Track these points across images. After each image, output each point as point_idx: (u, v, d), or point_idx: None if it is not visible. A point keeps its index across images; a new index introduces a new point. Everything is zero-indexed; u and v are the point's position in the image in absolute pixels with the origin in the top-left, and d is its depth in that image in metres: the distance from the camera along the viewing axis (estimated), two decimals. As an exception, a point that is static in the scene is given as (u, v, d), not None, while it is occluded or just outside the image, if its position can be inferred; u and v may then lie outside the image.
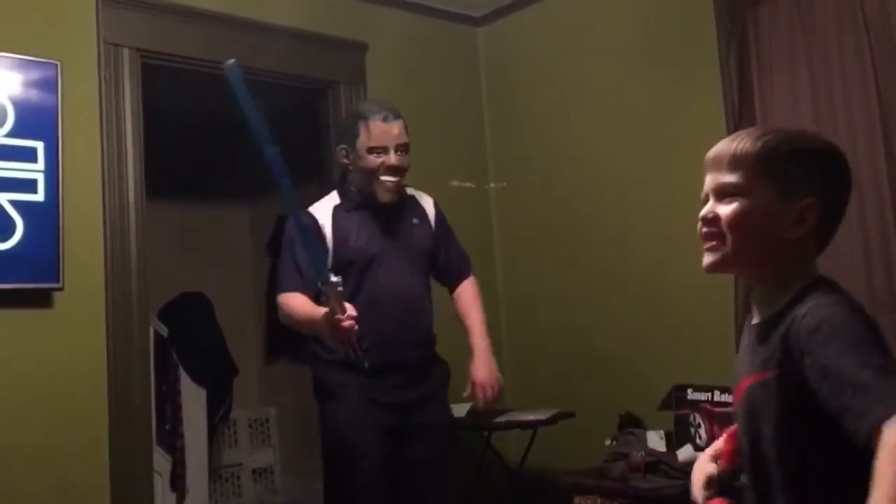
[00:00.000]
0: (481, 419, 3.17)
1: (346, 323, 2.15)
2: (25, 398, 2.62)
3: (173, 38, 3.08)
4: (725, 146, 1.26)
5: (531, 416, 3.22)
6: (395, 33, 3.66)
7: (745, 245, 1.22)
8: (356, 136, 2.51)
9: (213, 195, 4.90)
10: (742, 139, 1.25)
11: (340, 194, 2.58)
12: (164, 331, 3.93)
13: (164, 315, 4.15)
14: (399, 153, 2.51)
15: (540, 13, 3.79)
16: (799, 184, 1.21)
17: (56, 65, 2.73)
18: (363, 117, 2.52)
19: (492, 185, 4.00)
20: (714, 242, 1.25)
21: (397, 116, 2.53)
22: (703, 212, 1.26)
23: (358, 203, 2.55)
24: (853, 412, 1.03)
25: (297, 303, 2.43)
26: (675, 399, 2.93)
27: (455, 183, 3.84)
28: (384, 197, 2.52)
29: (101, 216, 2.84)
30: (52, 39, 2.78)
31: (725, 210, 1.23)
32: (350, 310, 2.16)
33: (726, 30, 3.05)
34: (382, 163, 2.48)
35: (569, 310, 3.57)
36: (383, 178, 2.50)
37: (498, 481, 3.34)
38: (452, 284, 2.73)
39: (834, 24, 2.78)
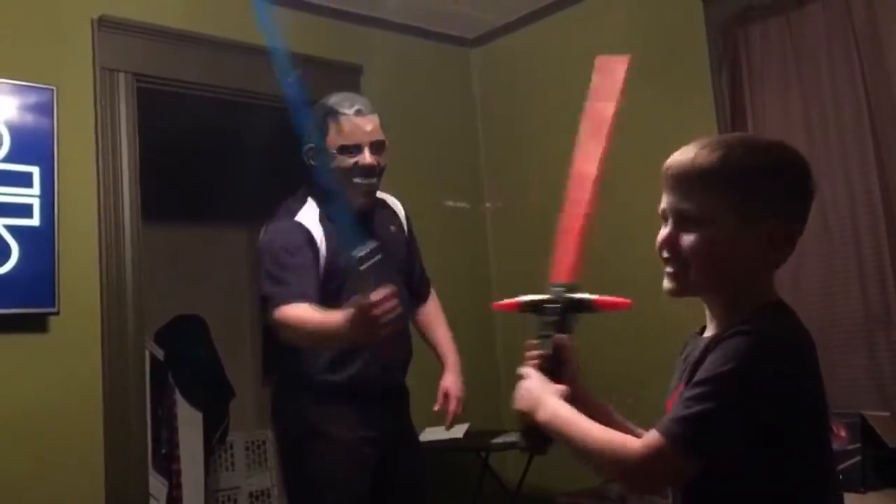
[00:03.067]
0: (479, 441, 3.16)
1: (387, 305, 1.81)
2: (21, 422, 2.61)
3: (169, 63, 3.10)
4: (683, 163, 1.18)
5: (529, 437, 3.20)
6: (390, 55, 3.68)
7: (708, 274, 1.17)
8: (325, 133, 2.22)
9: (209, 217, 4.90)
10: (700, 155, 1.17)
11: (317, 201, 2.26)
12: (160, 354, 3.92)
13: (159, 338, 4.14)
14: (374, 152, 2.23)
15: (533, 35, 3.82)
16: (762, 205, 1.15)
17: (52, 90, 2.74)
18: (332, 112, 2.22)
19: (487, 205, 4.01)
20: (673, 270, 1.20)
21: (371, 111, 2.25)
22: (663, 236, 1.20)
23: (335, 209, 2.17)
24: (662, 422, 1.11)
25: (304, 313, 2.06)
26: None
27: (450, 203, 3.85)
28: (358, 202, 2.22)
29: (97, 240, 2.84)
30: (48, 65, 2.80)
31: (688, 240, 1.17)
32: (385, 290, 1.82)
33: (718, 49, 3.08)
34: (356, 163, 2.20)
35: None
36: (357, 180, 2.21)
37: (496, 503, 3.32)
38: (421, 301, 2.52)
39: (824, 43, 2.81)
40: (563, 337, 1.32)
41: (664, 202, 1.22)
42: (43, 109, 2.72)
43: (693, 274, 1.18)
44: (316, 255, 2.19)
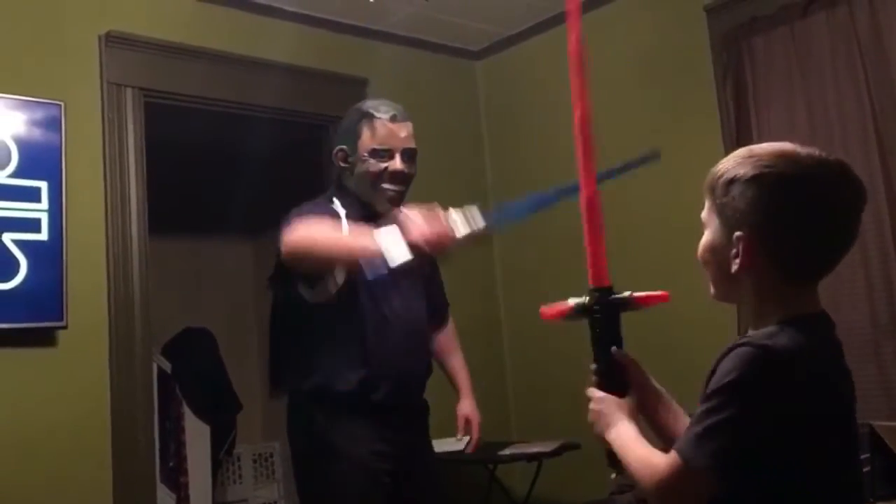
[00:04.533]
0: (486, 453, 3.15)
1: (446, 230, 1.81)
2: (29, 436, 2.62)
3: (176, 77, 3.12)
4: (711, 172, 1.24)
5: (536, 448, 3.20)
6: (395, 68, 3.70)
7: (711, 276, 1.24)
8: (358, 136, 2.17)
9: (215, 231, 4.91)
10: (720, 163, 1.23)
11: (343, 203, 2.20)
12: (168, 367, 3.93)
13: (167, 351, 4.15)
14: (405, 159, 2.19)
15: (537, 47, 3.83)
16: (735, 215, 1.17)
17: (60, 105, 2.76)
18: (367, 115, 2.18)
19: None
20: (708, 274, 1.26)
21: (406, 118, 2.22)
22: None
23: (361, 214, 2.16)
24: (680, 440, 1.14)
25: (325, 227, 1.98)
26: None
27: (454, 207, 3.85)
28: (383, 207, 2.17)
29: (105, 254, 2.86)
30: (55, 80, 2.82)
31: (702, 242, 1.25)
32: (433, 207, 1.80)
33: (722, 60, 3.08)
34: (386, 168, 2.15)
35: (573, 338, 3.55)
36: (385, 185, 2.16)
37: (504, 515, 3.31)
38: (436, 323, 2.46)
39: (829, 53, 2.81)
40: (616, 350, 1.31)
41: None
42: (51, 124, 2.74)
43: (709, 273, 1.24)
44: None
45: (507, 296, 3.91)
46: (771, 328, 1.14)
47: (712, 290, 1.25)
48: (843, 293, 2.73)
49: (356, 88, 3.58)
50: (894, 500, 2.44)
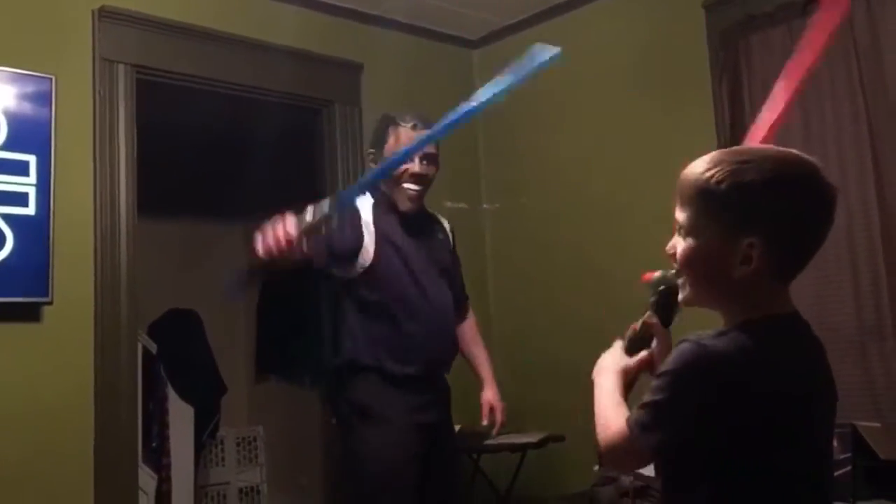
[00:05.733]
0: (471, 442, 3.15)
1: (282, 231, 1.87)
2: (10, 412, 2.60)
3: (169, 55, 3.09)
4: (684, 175, 1.22)
5: (521, 439, 3.20)
6: (391, 54, 3.68)
7: (698, 283, 1.23)
8: (384, 140, 2.49)
9: (206, 212, 4.89)
10: (695, 168, 1.20)
11: (374, 198, 2.50)
12: (153, 347, 3.91)
13: (153, 331, 4.13)
14: (425, 163, 2.47)
15: (534, 38, 3.75)
16: (740, 222, 1.16)
17: (51, 79, 2.73)
18: (393, 122, 2.50)
19: (485, 206, 4.00)
20: (681, 278, 1.26)
21: (428, 126, 2.39)
22: (668, 245, 1.26)
23: (389, 208, 2.48)
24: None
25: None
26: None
27: (448, 204, 3.84)
28: (404, 205, 2.46)
29: (93, 231, 2.83)
30: (47, 54, 2.79)
31: (680, 247, 1.22)
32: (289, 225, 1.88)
33: (718, 59, 3.07)
34: (406, 170, 2.43)
35: (560, 332, 3.57)
36: (406, 185, 2.45)
37: (486, 505, 3.32)
38: (459, 314, 2.67)
39: (825, 54, 2.81)
40: (651, 316, 1.36)
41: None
42: (41, 98, 2.71)
43: (688, 281, 1.24)
44: (357, 232, 2.39)
45: (497, 286, 3.91)
46: (724, 329, 1.19)
47: (691, 294, 1.24)
48: (829, 294, 2.74)
49: (351, 73, 3.56)
50: (875, 500, 2.45)
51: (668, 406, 1.15)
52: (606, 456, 1.25)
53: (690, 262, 1.21)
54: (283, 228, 1.88)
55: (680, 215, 1.22)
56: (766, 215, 1.15)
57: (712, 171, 1.18)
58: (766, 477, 1.14)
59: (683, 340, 1.16)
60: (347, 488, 2.48)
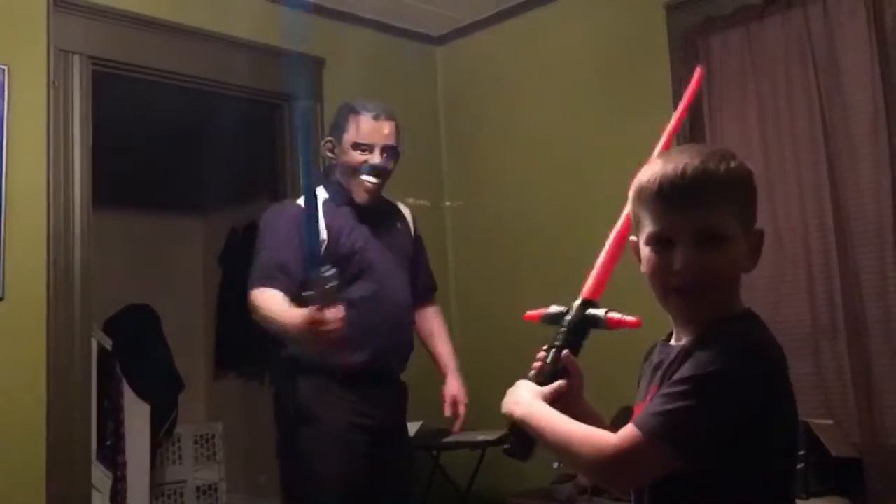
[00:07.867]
0: (430, 439, 3.15)
1: (331, 326, 1.95)
2: (-41, 411, 2.54)
3: (126, 47, 3.03)
4: (698, 174, 1.10)
5: (480, 437, 3.20)
6: (354, 49, 3.66)
7: (718, 288, 1.13)
8: (344, 129, 2.41)
9: (164, 207, 4.82)
10: (710, 165, 1.11)
11: (327, 188, 2.43)
12: (109, 344, 3.85)
13: (109, 327, 4.06)
14: (385, 155, 2.40)
15: (498, 35, 3.82)
16: (753, 213, 1.15)
17: (3, 69, 2.67)
18: (354, 111, 2.42)
19: (447, 203, 4.00)
20: (691, 292, 1.12)
21: (390, 117, 2.44)
22: (684, 263, 1.10)
23: (344, 199, 2.41)
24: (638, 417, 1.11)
25: (271, 302, 2.20)
26: (623, 421, 2.94)
27: (410, 200, 3.82)
28: (361, 197, 2.40)
29: (46, 225, 2.77)
30: (0, 43, 2.72)
31: (715, 261, 1.10)
32: (337, 311, 1.96)
33: (679, 57, 3.11)
34: (365, 161, 2.37)
35: (522, 330, 3.56)
36: (363, 177, 2.39)
37: (446, 503, 3.32)
38: (419, 303, 2.60)
39: (782, 55, 2.86)
40: (568, 354, 1.29)
41: (676, 224, 1.12)
42: (-7, 89, 2.65)
43: (708, 294, 1.12)
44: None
45: (459, 283, 3.91)
46: (741, 322, 1.12)
47: (697, 306, 1.13)
48: (783, 292, 2.78)
49: (313, 68, 3.53)
50: (827, 497, 2.50)
51: (717, 409, 1.05)
52: (607, 472, 1.14)
53: (728, 274, 1.12)
54: (332, 327, 1.96)
55: (710, 220, 1.10)
56: (754, 206, 1.16)
57: (736, 162, 1.13)
58: (789, 462, 1.14)
59: (710, 342, 1.07)
60: (287, 491, 2.40)
